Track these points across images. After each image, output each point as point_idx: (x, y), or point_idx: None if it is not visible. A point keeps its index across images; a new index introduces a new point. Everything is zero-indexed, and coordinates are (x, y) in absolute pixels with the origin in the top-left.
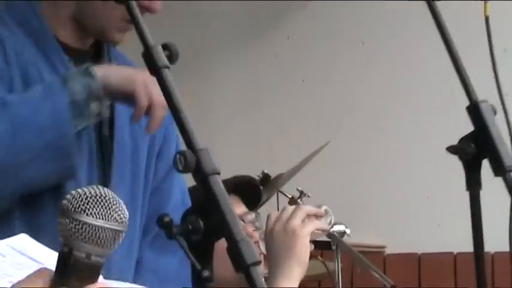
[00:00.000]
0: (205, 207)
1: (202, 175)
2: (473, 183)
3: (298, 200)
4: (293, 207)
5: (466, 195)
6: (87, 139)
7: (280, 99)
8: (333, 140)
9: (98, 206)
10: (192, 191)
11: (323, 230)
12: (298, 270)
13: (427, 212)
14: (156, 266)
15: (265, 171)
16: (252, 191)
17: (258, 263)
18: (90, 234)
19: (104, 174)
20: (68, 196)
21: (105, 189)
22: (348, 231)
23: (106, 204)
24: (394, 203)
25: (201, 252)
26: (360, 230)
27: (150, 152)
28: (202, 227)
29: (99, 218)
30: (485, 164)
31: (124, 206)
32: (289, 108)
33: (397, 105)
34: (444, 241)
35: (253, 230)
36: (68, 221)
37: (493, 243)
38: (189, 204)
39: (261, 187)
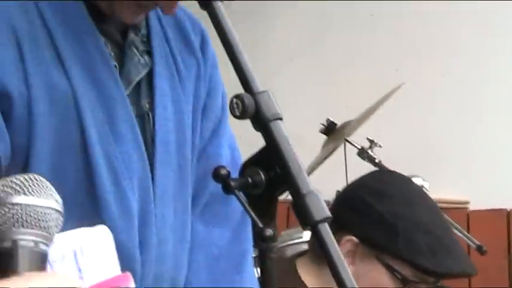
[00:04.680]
0: (267, 157)
1: (262, 121)
2: None
3: (369, 151)
4: None
5: None
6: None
7: (345, 38)
8: (408, 81)
9: (35, 186)
10: None
11: None
12: None
13: None
14: (208, 240)
15: (331, 119)
16: None
17: (327, 219)
18: (33, 216)
19: (147, 151)
20: None
21: (33, 174)
22: (426, 185)
23: (42, 184)
24: (478, 152)
25: (263, 209)
26: (440, 184)
27: (195, 114)
28: (263, 179)
29: (40, 197)
30: None
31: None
32: (355, 47)
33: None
34: None
35: None
36: (6, 210)
37: None
38: (240, 162)
39: (326, 136)
